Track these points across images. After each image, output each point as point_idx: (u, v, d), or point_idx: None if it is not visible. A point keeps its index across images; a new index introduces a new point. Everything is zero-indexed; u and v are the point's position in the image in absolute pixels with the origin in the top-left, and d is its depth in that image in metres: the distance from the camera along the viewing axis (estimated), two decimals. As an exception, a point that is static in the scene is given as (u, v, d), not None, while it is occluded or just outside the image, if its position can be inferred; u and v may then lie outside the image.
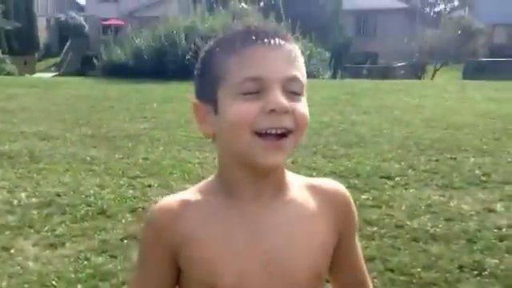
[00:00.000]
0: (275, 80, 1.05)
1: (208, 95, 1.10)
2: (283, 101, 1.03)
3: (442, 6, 71.54)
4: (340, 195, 1.22)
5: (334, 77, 24.77)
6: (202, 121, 1.13)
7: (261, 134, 1.04)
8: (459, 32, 35.08)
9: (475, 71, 27.02)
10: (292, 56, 1.09)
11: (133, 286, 1.21)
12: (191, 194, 1.15)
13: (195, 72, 1.16)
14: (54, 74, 36.46)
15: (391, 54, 34.67)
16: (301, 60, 1.12)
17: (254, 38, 1.07)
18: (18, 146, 8.05)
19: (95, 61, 22.52)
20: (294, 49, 1.11)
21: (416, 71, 34.15)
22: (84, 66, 31.24)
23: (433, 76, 34.12)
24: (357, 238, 1.28)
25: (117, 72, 20.03)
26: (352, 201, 1.24)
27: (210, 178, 1.18)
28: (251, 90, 1.04)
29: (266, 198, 1.11)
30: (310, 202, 1.17)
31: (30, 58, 39.17)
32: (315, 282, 1.14)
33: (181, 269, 1.13)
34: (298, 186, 1.17)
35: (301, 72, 1.10)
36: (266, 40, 1.07)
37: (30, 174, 6.47)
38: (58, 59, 43.44)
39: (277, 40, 1.08)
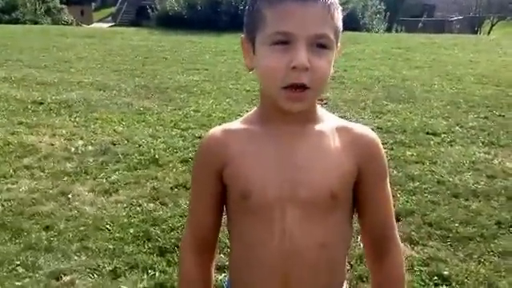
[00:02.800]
0: (301, 37, 1.18)
1: (249, 35, 1.27)
2: (304, 60, 1.17)
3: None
4: (366, 137, 1.34)
5: (388, 30, 24.11)
6: (246, 55, 1.30)
7: (285, 87, 1.20)
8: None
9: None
10: (324, 12, 1.20)
11: (191, 204, 1.44)
12: (234, 124, 1.37)
13: (246, 10, 1.30)
14: (110, 24, 36.82)
15: (448, 6, 33.42)
16: (336, 12, 1.22)
17: None
18: (75, 95, 8.37)
19: (150, 11, 22.68)
20: (330, 2, 1.21)
21: (473, 26, 32.96)
22: (139, 17, 31.37)
23: (489, 31, 32.87)
24: (387, 186, 1.37)
25: (171, 23, 20.16)
26: (380, 145, 1.35)
27: (253, 110, 1.38)
28: (280, 41, 1.19)
29: (295, 126, 1.29)
30: (337, 136, 1.31)
31: (86, 8, 39.65)
32: (332, 200, 1.28)
33: (225, 184, 1.33)
34: (329, 123, 1.33)
35: (332, 27, 1.21)
36: None
37: (87, 123, 6.77)
38: (113, 9, 43.73)
39: None
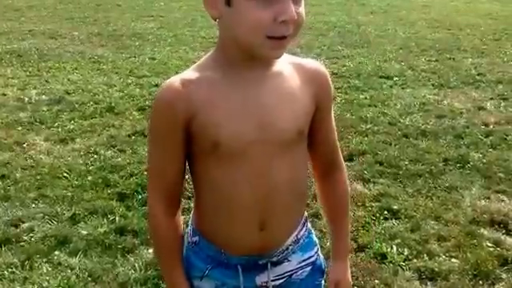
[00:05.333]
0: None
1: None
2: (294, 13, 1.17)
3: None
4: (320, 73, 1.38)
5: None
6: (211, 4, 1.23)
7: (272, 36, 1.19)
8: None
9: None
10: None
11: (151, 162, 1.40)
12: (190, 72, 1.31)
13: None
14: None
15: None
16: None
17: None
18: (27, 44, 8.18)
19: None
20: None
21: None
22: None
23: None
24: (332, 113, 1.45)
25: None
26: (329, 79, 1.41)
27: (206, 56, 1.33)
28: None
29: (258, 70, 1.29)
30: (295, 75, 1.34)
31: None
32: (298, 137, 1.34)
33: (192, 135, 1.30)
34: (284, 61, 1.33)
35: None
36: None
37: (40, 72, 6.67)
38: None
39: None
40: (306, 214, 1.50)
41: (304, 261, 1.48)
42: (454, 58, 7.21)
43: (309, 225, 1.51)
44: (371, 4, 12.21)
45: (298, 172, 1.38)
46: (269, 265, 1.41)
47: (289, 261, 1.45)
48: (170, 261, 1.43)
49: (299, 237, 1.46)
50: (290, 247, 1.43)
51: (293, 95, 1.32)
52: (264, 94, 1.30)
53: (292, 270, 1.46)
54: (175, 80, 1.30)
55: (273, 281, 1.43)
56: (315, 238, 1.52)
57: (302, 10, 1.21)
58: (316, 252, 1.51)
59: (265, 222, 1.34)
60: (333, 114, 1.46)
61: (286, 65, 1.34)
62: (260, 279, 1.42)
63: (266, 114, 1.29)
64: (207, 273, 1.42)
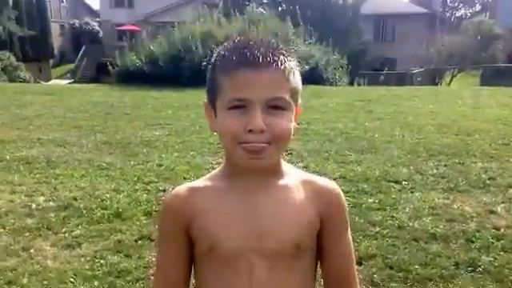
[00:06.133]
0: (257, 102, 1.25)
1: (210, 101, 1.35)
2: (259, 124, 1.24)
3: (463, 11, 70.94)
4: (329, 188, 1.41)
5: (351, 83, 24.71)
6: (208, 118, 1.38)
7: (244, 143, 1.27)
8: (479, 37, 34.81)
9: (493, 77, 26.75)
10: (278, 77, 1.27)
11: (157, 261, 1.46)
12: (200, 181, 1.42)
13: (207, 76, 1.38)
14: (69, 80, 36.52)
15: (409, 59, 34.42)
16: (292, 75, 1.30)
17: (243, 60, 1.26)
18: (35, 152, 8.28)
19: (110, 67, 22.73)
20: (285, 65, 1.28)
21: (433, 77, 33.97)
22: (99, 73, 31.18)
23: (450, 82, 33.90)
24: (348, 238, 1.42)
25: (132, 78, 20.15)
26: (342, 196, 1.42)
27: (218, 168, 1.43)
28: (237, 106, 1.27)
29: (259, 182, 1.34)
30: (300, 189, 1.37)
31: (44, 65, 39.34)
32: (295, 251, 1.33)
33: (192, 240, 1.37)
34: (293, 177, 1.39)
35: (288, 89, 1.29)
36: (255, 63, 1.25)
37: (48, 179, 6.70)
38: (72, 66, 43.58)
39: (267, 61, 1.26)
40: None
41: None
42: (463, 163, 7.25)
43: None
44: (378, 111, 12.47)
45: (298, 284, 1.36)
46: None
47: None
48: None
49: None
50: None
51: (291, 207, 1.35)
52: (262, 203, 1.34)
53: None
54: (182, 187, 1.41)
55: None
56: None
57: (280, 121, 1.26)
58: None
59: None
60: (350, 240, 1.42)
61: (294, 179, 1.38)
62: None
63: (261, 223, 1.32)
64: None
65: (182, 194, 1.39)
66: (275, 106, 1.27)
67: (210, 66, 1.36)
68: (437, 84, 32.14)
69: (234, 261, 1.32)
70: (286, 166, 1.40)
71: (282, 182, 1.36)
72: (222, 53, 1.32)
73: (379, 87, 20.67)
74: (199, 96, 14.06)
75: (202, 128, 10.23)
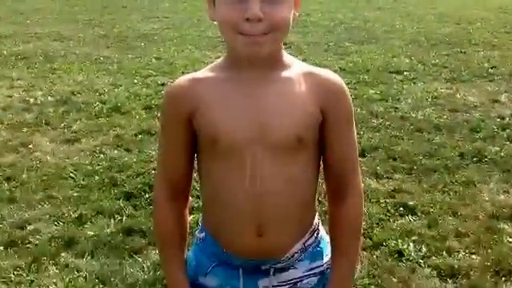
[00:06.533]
0: None
1: None
2: (256, 11, 1.19)
3: None
4: (330, 80, 1.34)
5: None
6: (208, 7, 1.31)
7: (243, 33, 1.22)
8: None
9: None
10: None
11: (161, 151, 1.45)
12: (201, 72, 1.38)
13: None
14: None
15: None
16: None
17: None
18: (32, 46, 8.12)
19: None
20: None
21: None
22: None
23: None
24: (350, 130, 1.37)
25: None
26: (345, 89, 1.35)
27: (220, 59, 1.38)
28: None
29: (261, 72, 1.30)
30: (302, 82, 1.32)
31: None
32: (297, 143, 1.30)
33: (195, 130, 1.34)
34: (295, 69, 1.33)
35: None
36: None
37: (45, 74, 6.59)
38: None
39: None
40: (316, 221, 1.43)
41: (311, 269, 1.42)
42: (465, 52, 7.12)
43: (321, 234, 1.44)
44: (377, 0, 12.12)
45: (300, 178, 1.34)
46: (271, 270, 1.39)
47: (295, 268, 1.41)
48: (168, 252, 1.43)
49: (307, 245, 1.41)
50: (296, 255, 1.39)
51: (293, 99, 1.31)
52: (264, 95, 1.30)
53: (297, 278, 1.41)
54: (183, 78, 1.37)
55: (275, 287, 1.39)
56: (328, 248, 1.42)
57: (278, 9, 1.21)
58: (326, 262, 1.42)
59: (262, 227, 1.33)
60: (353, 133, 1.37)
61: (296, 71, 1.33)
62: (262, 283, 1.40)
63: (263, 115, 1.29)
64: (211, 270, 1.42)
65: (184, 83, 1.35)
66: None
67: None
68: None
69: (236, 153, 1.30)
70: (288, 57, 1.35)
71: (283, 74, 1.32)
72: None
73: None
74: (196, -13, 13.50)
75: (200, 21, 10.00)
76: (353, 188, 1.39)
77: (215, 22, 1.30)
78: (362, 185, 1.43)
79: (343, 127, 1.36)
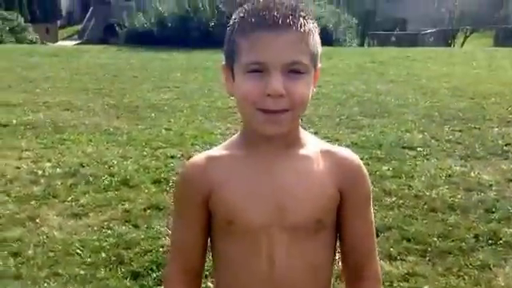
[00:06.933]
0: (276, 65, 1.20)
1: (228, 63, 1.30)
2: (278, 87, 1.19)
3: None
4: (349, 160, 1.35)
5: (361, 44, 24.38)
6: (226, 82, 1.32)
7: (263, 109, 1.22)
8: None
9: (507, 38, 26.53)
10: (297, 40, 1.22)
11: (173, 234, 1.43)
12: (217, 150, 1.37)
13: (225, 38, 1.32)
14: (77, 42, 36.25)
15: (420, 19, 33.78)
16: (311, 38, 1.25)
17: (262, 22, 1.21)
18: (42, 116, 8.14)
19: (118, 28, 22.47)
20: (305, 29, 1.23)
21: (446, 38, 33.39)
22: (106, 34, 30.94)
23: (463, 43, 33.32)
24: (369, 213, 1.36)
25: (140, 40, 19.97)
26: (363, 169, 1.35)
27: (235, 136, 1.38)
28: (255, 69, 1.22)
29: (278, 150, 1.29)
30: (320, 160, 1.32)
31: (52, 26, 38.88)
32: (317, 225, 1.29)
33: (211, 211, 1.33)
34: (313, 146, 1.34)
35: (307, 53, 1.24)
36: (275, 25, 1.20)
37: (54, 145, 6.58)
38: (79, 27, 43.18)
39: (286, 23, 1.20)
40: None
41: None
42: (479, 128, 7.10)
43: None
44: (390, 73, 12.25)
45: (318, 262, 1.33)
46: None
47: None
48: None
49: None
50: None
51: (312, 180, 1.30)
52: (282, 175, 1.29)
53: None
54: (199, 157, 1.37)
55: None
56: None
57: (299, 87, 1.22)
58: None
59: None
60: (371, 215, 1.35)
61: (314, 149, 1.33)
62: None
63: (281, 196, 1.28)
64: None
65: (200, 163, 1.35)
66: (294, 71, 1.22)
67: (228, 28, 1.30)
68: (449, 45, 31.58)
69: (253, 234, 1.28)
70: (304, 134, 1.35)
71: (301, 152, 1.32)
72: (241, 15, 1.27)
73: (390, 48, 20.31)
74: (207, 58, 14.07)
75: (211, 91, 10.11)
76: (369, 271, 1.36)
77: (232, 98, 1.30)
78: (380, 268, 1.39)
79: (361, 209, 1.35)
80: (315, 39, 1.26)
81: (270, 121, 1.22)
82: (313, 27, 1.25)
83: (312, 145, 1.34)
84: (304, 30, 1.22)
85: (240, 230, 1.28)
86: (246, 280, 1.30)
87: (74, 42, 35.00)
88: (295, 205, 1.27)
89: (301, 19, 1.22)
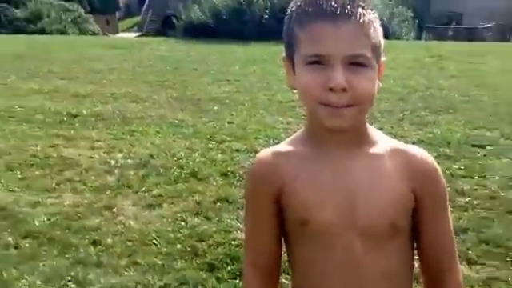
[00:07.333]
0: (337, 58, 1.15)
1: (288, 55, 1.25)
2: (341, 81, 1.14)
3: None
4: (423, 160, 1.27)
5: (418, 38, 23.90)
6: (287, 74, 1.27)
7: (326, 103, 1.17)
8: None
9: None
10: (358, 31, 1.16)
11: (247, 233, 1.40)
12: (283, 146, 1.33)
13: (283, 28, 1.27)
14: (137, 34, 36.80)
15: (477, 13, 32.92)
16: (372, 29, 1.19)
17: (320, 13, 1.15)
18: (110, 107, 8.37)
19: (175, 20, 22.71)
20: (364, 19, 1.17)
21: (504, 33, 32.43)
22: (164, 26, 31.35)
23: (521, 38, 32.31)
24: (447, 216, 1.30)
25: (197, 32, 20.18)
26: (438, 170, 1.28)
27: (299, 131, 1.33)
28: (315, 61, 1.17)
29: (348, 148, 1.24)
30: (392, 159, 1.25)
31: (111, 18, 39.66)
32: (392, 230, 1.23)
33: (282, 208, 1.29)
34: (383, 144, 1.27)
35: (369, 45, 1.17)
36: (333, 15, 1.14)
37: (124, 136, 6.75)
38: (137, 18, 43.75)
39: (345, 13, 1.15)
40: None
41: None
42: (549, 126, 6.86)
43: None
44: (450, 68, 11.99)
45: (395, 268, 1.27)
46: None
47: None
48: None
49: None
50: None
51: (385, 181, 1.24)
52: (354, 175, 1.24)
53: None
54: (266, 153, 1.33)
55: None
56: None
57: (363, 81, 1.16)
58: None
59: None
60: (449, 220, 1.29)
61: (383, 147, 1.27)
62: None
63: (355, 197, 1.23)
64: None
65: (268, 159, 1.31)
66: (356, 63, 1.16)
67: (286, 18, 1.25)
68: (507, 40, 30.65)
69: (327, 237, 1.24)
70: (373, 131, 1.29)
71: (371, 150, 1.26)
72: (298, 3, 1.21)
73: (448, 43, 19.84)
74: (264, 51, 14.06)
75: (269, 85, 10.13)
76: (451, 279, 1.30)
77: (295, 91, 1.26)
78: (461, 278, 1.33)
79: (438, 211, 1.28)
80: (376, 30, 1.20)
81: (332, 115, 1.17)
82: (373, 18, 1.19)
83: (382, 142, 1.28)
84: (364, 21, 1.16)
85: (313, 230, 1.24)
86: (319, 280, 1.27)
87: (134, 34, 35.54)
88: (369, 206, 1.22)
89: (359, 9, 1.16)
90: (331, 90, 1.15)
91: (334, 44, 1.14)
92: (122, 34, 35.53)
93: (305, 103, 1.23)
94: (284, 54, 1.28)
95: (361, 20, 1.16)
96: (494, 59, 13.50)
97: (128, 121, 7.51)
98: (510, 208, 4.43)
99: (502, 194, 4.71)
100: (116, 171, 5.44)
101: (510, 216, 4.31)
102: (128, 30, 41.90)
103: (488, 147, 6.03)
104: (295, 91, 1.25)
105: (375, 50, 1.19)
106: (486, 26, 31.30)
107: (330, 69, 1.15)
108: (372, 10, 1.19)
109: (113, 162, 5.69)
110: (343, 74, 1.14)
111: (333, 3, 1.15)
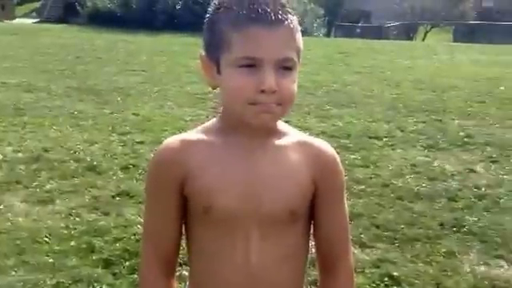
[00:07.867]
0: (269, 61, 1.19)
1: (212, 55, 1.25)
2: (272, 83, 1.18)
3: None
4: (325, 153, 1.34)
5: (327, 35, 24.52)
6: (207, 73, 1.28)
7: (255, 103, 1.20)
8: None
9: (465, 33, 27.26)
10: (288, 35, 1.21)
11: (146, 221, 1.40)
12: (191, 134, 1.34)
13: (204, 26, 1.28)
14: (35, 20, 35.19)
15: (384, 12, 34.26)
16: (298, 33, 1.24)
17: (257, 16, 1.18)
18: (1, 97, 7.95)
19: (79, 8, 22.02)
20: (294, 24, 1.22)
21: (408, 32, 33.99)
22: (67, 13, 30.18)
23: (424, 37, 34.03)
24: (343, 206, 1.36)
25: (103, 20, 19.67)
26: (338, 162, 1.35)
27: (211, 121, 1.34)
28: (248, 64, 1.19)
29: (257, 139, 1.28)
30: (297, 151, 1.31)
31: (7, 2, 37.80)
32: (291, 217, 1.29)
33: (186, 197, 1.29)
34: (291, 137, 1.33)
35: (295, 49, 1.24)
36: (268, 20, 1.18)
37: (15, 128, 6.44)
38: (37, 4, 41.89)
39: (278, 19, 1.19)
40: None
41: None
42: (440, 120, 7.29)
43: None
44: (356, 64, 12.45)
45: (292, 252, 1.33)
46: None
47: None
48: None
49: None
50: None
51: (288, 171, 1.30)
52: (260, 165, 1.28)
53: None
54: (173, 139, 1.33)
55: None
56: None
57: (289, 83, 1.22)
58: None
59: None
60: (344, 207, 1.35)
61: (291, 140, 1.33)
62: None
63: (258, 187, 1.27)
64: None
65: (174, 146, 1.31)
66: (284, 67, 1.21)
67: (209, 17, 1.26)
68: (411, 39, 32.18)
69: (230, 224, 1.27)
70: (282, 125, 1.34)
71: (279, 142, 1.31)
72: (226, 5, 1.22)
73: (356, 40, 20.56)
74: (174, 41, 13.92)
75: (179, 76, 10.02)
76: (344, 264, 1.37)
77: (216, 90, 1.27)
78: (353, 263, 1.40)
79: (335, 201, 1.35)
80: (299, 35, 1.25)
81: (261, 111, 1.20)
82: (297, 23, 1.24)
83: (290, 135, 1.33)
84: (293, 26, 1.22)
85: (216, 217, 1.27)
86: (220, 269, 1.30)
87: (32, 20, 34.00)
88: (270, 194, 1.27)
89: (289, 15, 1.21)
90: (262, 92, 1.18)
91: (268, 48, 1.18)
92: (18, 20, 33.87)
93: (231, 103, 1.24)
94: (204, 53, 1.28)
95: (291, 25, 1.21)
96: (397, 57, 14.14)
97: (21, 112, 7.17)
98: (400, 195, 4.66)
99: (394, 182, 4.93)
100: (4, 166, 5.18)
101: (399, 202, 4.53)
102: (26, 15, 39.98)
103: (384, 139, 6.30)
104: (215, 90, 1.27)
105: (299, 53, 1.25)
106: (391, 24, 32.64)
107: (262, 72, 1.18)
108: (296, 14, 1.24)
109: (1, 157, 5.40)
110: (274, 77, 1.18)
111: (266, 8, 1.18)
